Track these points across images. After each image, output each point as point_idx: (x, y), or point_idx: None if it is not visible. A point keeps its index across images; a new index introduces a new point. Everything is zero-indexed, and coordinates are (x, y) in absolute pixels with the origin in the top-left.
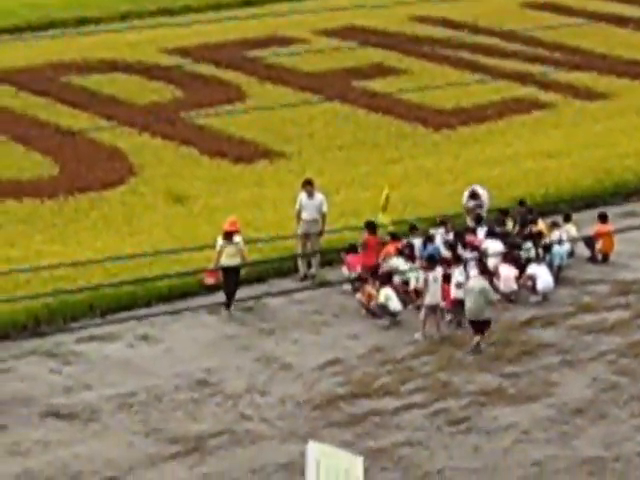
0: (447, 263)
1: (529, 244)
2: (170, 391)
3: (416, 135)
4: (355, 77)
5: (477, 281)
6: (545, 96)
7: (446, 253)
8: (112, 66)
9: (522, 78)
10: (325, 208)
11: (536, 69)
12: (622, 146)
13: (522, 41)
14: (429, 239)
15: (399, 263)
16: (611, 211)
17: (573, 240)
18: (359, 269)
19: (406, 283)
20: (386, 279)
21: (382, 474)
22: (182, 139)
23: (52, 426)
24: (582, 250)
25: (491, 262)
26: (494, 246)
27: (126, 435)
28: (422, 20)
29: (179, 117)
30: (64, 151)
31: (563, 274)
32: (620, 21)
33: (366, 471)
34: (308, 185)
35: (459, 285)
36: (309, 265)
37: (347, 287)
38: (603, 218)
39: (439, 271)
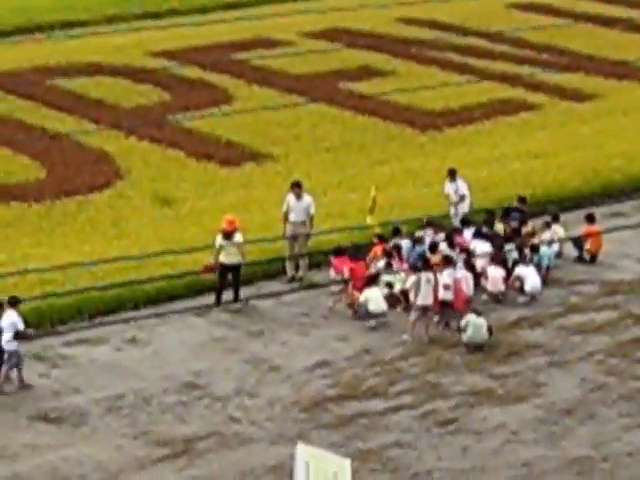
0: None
1: (511, 245)
2: (158, 394)
3: (403, 137)
4: (342, 79)
5: (476, 318)
6: (532, 97)
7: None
8: (98, 69)
9: (509, 79)
10: (313, 210)
11: (523, 70)
12: (609, 147)
13: (509, 42)
14: (418, 241)
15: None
16: (599, 212)
17: (561, 241)
18: (346, 272)
19: (390, 286)
20: (372, 281)
21: (371, 476)
22: (169, 142)
23: (41, 430)
24: (570, 251)
25: (479, 263)
26: (481, 247)
27: (115, 438)
28: (409, 22)
29: (166, 120)
30: (51, 154)
31: (551, 275)
32: (607, 22)
33: (355, 473)
34: (296, 187)
35: (447, 287)
36: (297, 267)
37: (335, 289)
38: (591, 219)
39: (431, 273)
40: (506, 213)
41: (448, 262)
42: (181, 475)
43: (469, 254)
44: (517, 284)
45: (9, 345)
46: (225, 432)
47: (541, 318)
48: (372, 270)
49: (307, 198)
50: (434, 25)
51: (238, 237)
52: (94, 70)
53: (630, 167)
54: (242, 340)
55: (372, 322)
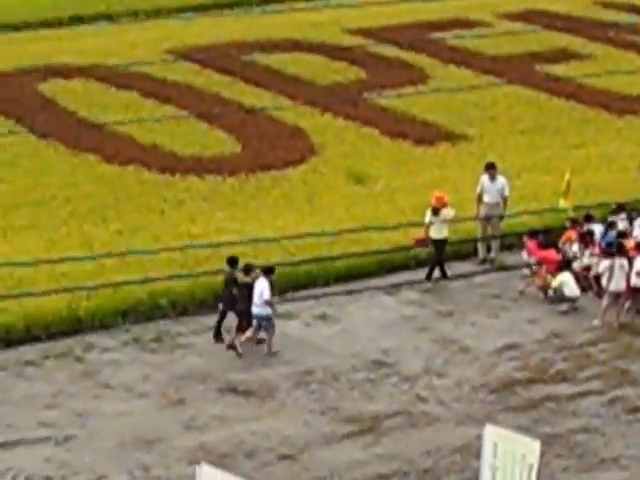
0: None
1: None
2: (347, 371)
3: (599, 121)
4: (538, 61)
5: None
6: None
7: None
8: (295, 45)
9: None
10: (507, 192)
11: None
12: None
13: None
14: (610, 226)
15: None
16: None
17: None
18: (535, 258)
19: (588, 269)
20: (565, 264)
21: (557, 460)
22: (364, 120)
23: (229, 402)
24: None
25: None
26: None
27: (302, 413)
28: (607, 5)
29: (361, 98)
30: (246, 129)
31: None
32: None
33: (541, 456)
34: (491, 168)
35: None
36: (489, 249)
37: (526, 272)
38: None
39: (625, 258)
40: None
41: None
42: (367, 452)
43: None
44: None
45: (257, 309)
46: (412, 411)
47: None
48: (565, 254)
49: (501, 179)
50: (633, 9)
51: (447, 212)
52: (291, 46)
53: None
54: (431, 320)
55: (564, 306)
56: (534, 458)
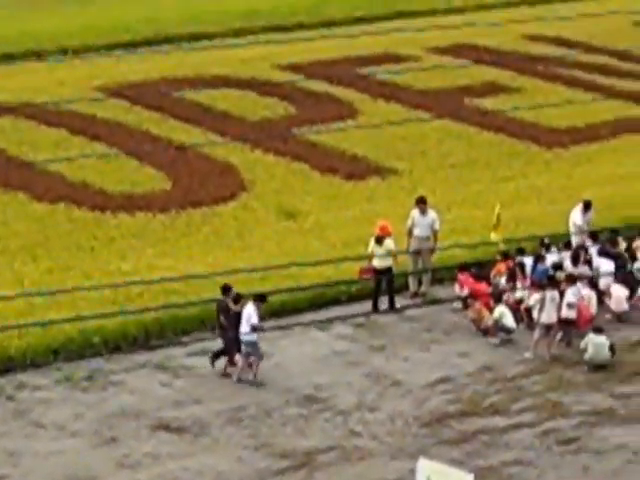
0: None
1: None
2: (280, 406)
3: (528, 154)
4: (467, 95)
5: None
6: None
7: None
8: (225, 81)
9: (636, 97)
10: (437, 225)
11: None
12: None
13: (636, 60)
14: (541, 258)
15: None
16: None
17: None
18: (466, 290)
19: (520, 301)
20: (499, 297)
21: None
22: (294, 155)
23: (162, 439)
24: None
25: (602, 282)
26: (606, 265)
27: (236, 449)
28: (535, 39)
29: (291, 133)
30: (177, 166)
31: None
32: None
33: None
34: (421, 203)
35: (571, 305)
36: (420, 282)
37: (458, 305)
38: None
39: (556, 291)
40: None
41: (572, 280)
42: None
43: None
44: None
45: (245, 336)
46: (346, 446)
47: None
48: (497, 287)
49: (432, 213)
50: (560, 42)
51: (389, 242)
52: (221, 82)
53: None
54: (364, 354)
55: (496, 339)
56: None
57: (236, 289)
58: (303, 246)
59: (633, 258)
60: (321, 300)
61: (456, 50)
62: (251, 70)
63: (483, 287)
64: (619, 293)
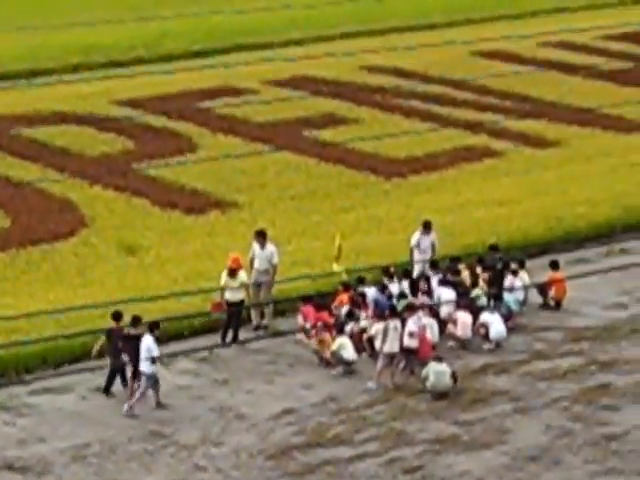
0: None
1: (478, 291)
2: (124, 443)
3: (367, 184)
4: (306, 127)
5: (437, 365)
6: (496, 144)
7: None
8: (63, 118)
9: (473, 126)
10: (276, 259)
11: (487, 117)
12: (573, 193)
13: (473, 90)
14: (383, 288)
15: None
16: (563, 258)
17: (526, 287)
18: (309, 321)
19: (363, 331)
20: (340, 328)
21: None
22: (133, 190)
23: (5, 479)
24: (535, 297)
25: (444, 310)
26: (446, 294)
27: None
28: (373, 69)
29: (130, 168)
30: (15, 203)
31: (516, 321)
32: (570, 69)
33: None
34: (260, 236)
35: (412, 334)
36: (262, 315)
37: (301, 337)
38: (555, 265)
39: (398, 320)
40: (479, 261)
41: (413, 310)
42: None
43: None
44: (482, 331)
45: (147, 369)
46: None
47: (506, 365)
48: (339, 317)
49: (270, 247)
50: (398, 73)
51: (243, 275)
52: (59, 119)
53: (593, 214)
54: (207, 388)
55: (339, 370)
56: None
57: (77, 327)
58: (144, 281)
59: (475, 285)
60: (163, 335)
61: (294, 82)
62: (90, 106)
63: (325, 317)
64: (465, 319)
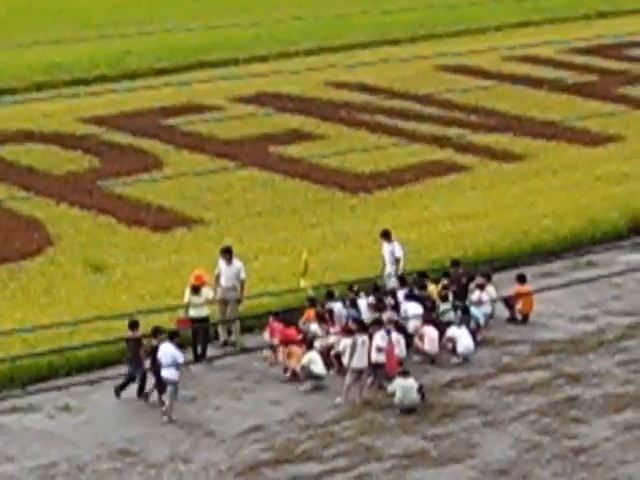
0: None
1: (447, 306)
2: (92, 461)
3: (334, 200)
4: (272, 143)
5: (404, 380)
6: (461, 158)
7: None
8: (28, 136)
9: (438, 141)
10: (243, 275)
11: (452, 132)
12: (539, 207)
13: (438, 104)
14: (352, 303)
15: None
16: (529, 272)
17: (493, 301)
18: (277, 338)
19: (331, 347)
20: (308, 343)
21: None
22: (100, 208)
23: None
24: (501, 311)
25: (411, 325)
26: (413, 309)
27: None
28: (338, 85)
29: (96, 186)
30: None
31: (483, 335)
32: (534, 83)
33: None
34: (226, 253)
35: (379, 349)
36: (229, 332)
37: (268, 353)
38: (522, 279)
39: (366, 335)
40: (445, 275)
41: (380, 324)
42: None
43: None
44: (450, 345)
45: (170, 376)
46: None
47: (474, 379)
48: (306, 333)
49: (237, 263)
50: (363, 88)
51: (207, 291)
52: (24, 137)
53: (559, 227)
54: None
55: (308, 385)
56: None
57: (44, 345)
58: (111, 299)
59: (444, 299)
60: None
61: (259, 98)
62: (54, 124)
63: (292, 333)
64: (432, 335)
